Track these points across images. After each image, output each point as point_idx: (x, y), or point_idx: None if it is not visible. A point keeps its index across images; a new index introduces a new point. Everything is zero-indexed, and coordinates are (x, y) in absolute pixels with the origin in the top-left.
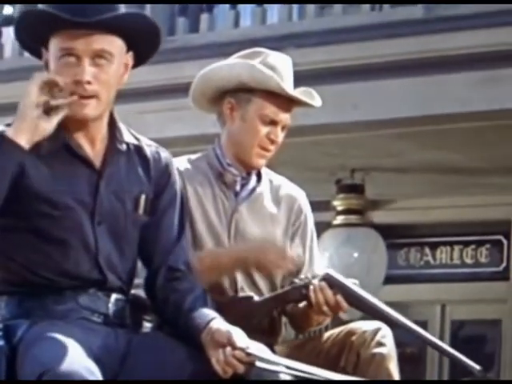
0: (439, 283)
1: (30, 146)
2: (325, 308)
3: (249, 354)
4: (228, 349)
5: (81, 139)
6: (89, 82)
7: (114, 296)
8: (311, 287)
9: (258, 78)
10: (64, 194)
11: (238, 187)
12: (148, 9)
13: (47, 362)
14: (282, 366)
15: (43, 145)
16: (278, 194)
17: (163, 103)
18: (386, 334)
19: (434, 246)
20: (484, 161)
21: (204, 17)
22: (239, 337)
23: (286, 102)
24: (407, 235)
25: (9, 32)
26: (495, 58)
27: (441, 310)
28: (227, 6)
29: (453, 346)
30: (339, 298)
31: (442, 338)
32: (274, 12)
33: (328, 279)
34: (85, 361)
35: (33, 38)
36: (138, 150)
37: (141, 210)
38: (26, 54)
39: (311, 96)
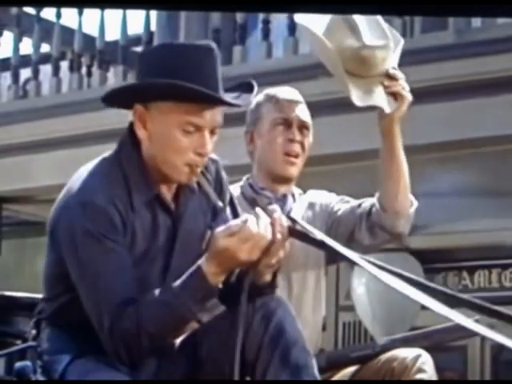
0: None
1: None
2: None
3: (291, 219)
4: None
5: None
6: (207, 154)
7: None
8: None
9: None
10: (144, 240)
11: None
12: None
13: None
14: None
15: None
16: (311, 201)
17: None
18: (426, 360)
19: (471, 270)
20: None
21: (237, 49)
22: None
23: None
24: (444, 260)
25: (46, 70)
26: None
27: None
28: (259, 37)
29: (494, 370)
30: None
31: (482, 363)
32: (305, 41)
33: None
34: None
35: (141, 98)
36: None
37: (204, 245)
38: (63, 91)
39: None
